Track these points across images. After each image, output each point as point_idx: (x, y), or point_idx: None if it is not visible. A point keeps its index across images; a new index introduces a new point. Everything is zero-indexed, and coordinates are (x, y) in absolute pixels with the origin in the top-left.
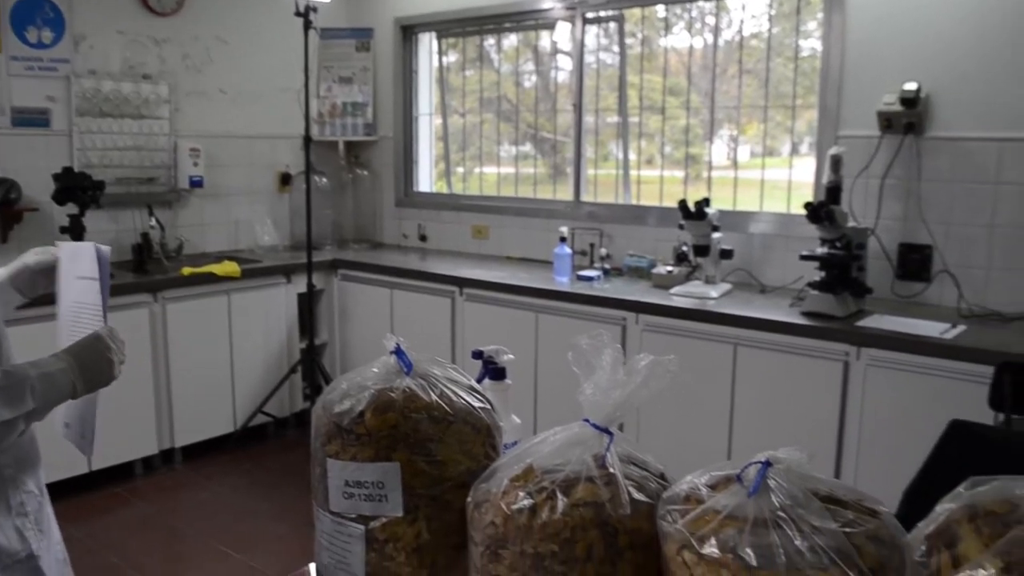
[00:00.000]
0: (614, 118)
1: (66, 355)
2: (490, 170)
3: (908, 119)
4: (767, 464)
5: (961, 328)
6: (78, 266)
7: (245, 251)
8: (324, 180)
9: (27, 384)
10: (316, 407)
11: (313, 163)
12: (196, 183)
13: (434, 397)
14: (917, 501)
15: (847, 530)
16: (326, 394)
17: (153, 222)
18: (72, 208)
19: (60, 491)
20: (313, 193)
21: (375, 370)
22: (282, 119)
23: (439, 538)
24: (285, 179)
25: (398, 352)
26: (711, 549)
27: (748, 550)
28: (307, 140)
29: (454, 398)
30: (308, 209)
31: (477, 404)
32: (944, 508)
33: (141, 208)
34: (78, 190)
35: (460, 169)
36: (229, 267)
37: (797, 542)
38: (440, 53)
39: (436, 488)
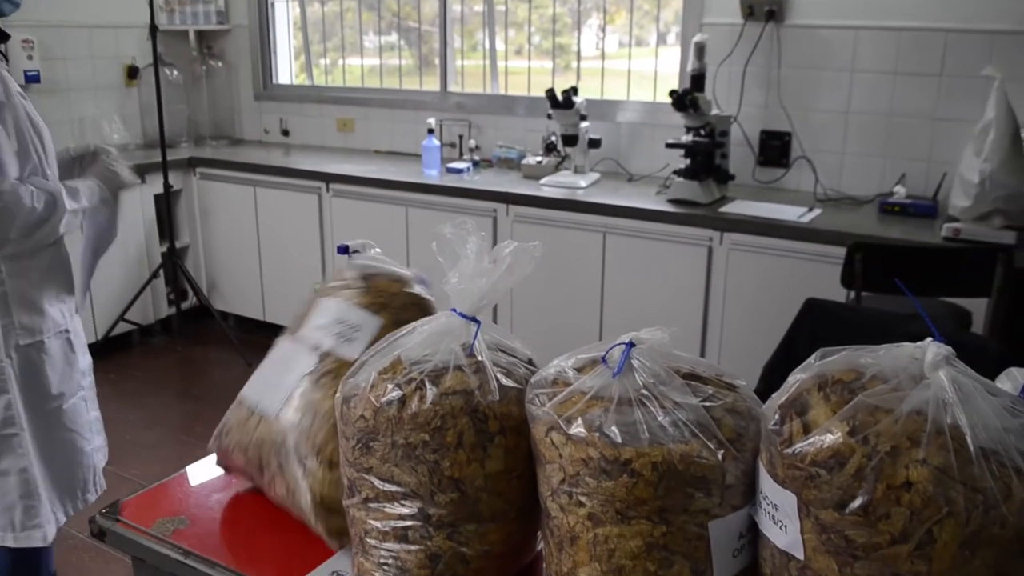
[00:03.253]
0: (481, 6)
1: (85, 177)
2: (354, 62)
3: (769, 6)
4: (631, 345)
5: (817, 212)
6: None
7: None
8: (175, 73)
9: (78, 189)
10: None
11: (162, 55)
12: (32, 78)
13: (416, 288)
14: (775, 375)
15: (706, 404)
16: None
17: None
18: None
19: None
20: (164, 87)
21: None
22: (124, 6)
23: None
24: (132, 72)
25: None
26: (578, 429)
27: (613, 428)
28: (153, 29)
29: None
30: (159, 104)
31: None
32: (796, 378)
33: None
34: None
35: (323, 61)
36: None
37: (660, 418)
38: None
39: None
